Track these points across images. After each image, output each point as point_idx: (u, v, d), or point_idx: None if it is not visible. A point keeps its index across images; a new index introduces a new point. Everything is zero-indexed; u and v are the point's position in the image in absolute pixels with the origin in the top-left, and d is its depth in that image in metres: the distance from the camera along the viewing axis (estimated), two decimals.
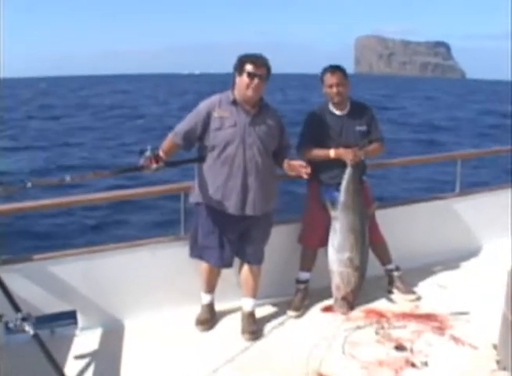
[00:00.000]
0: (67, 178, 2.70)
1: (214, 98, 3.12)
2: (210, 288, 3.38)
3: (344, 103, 3.48)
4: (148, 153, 2.78)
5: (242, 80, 3.01)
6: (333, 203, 3.42)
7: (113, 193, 3.41)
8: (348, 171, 3.39)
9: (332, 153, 3.40)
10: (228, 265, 3.27)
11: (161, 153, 2.89)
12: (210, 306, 3.39)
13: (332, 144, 3.43)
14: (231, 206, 3.07)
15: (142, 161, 2.80)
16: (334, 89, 3.40)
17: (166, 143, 3.08)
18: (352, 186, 3.39)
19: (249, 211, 3.08)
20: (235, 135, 3.01)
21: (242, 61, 3.03)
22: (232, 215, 3.09)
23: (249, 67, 2.98)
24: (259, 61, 3.01)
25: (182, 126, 3.10)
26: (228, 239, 3.19)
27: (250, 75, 2.98)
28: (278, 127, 3.18)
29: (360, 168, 3.49)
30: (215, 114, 3.04)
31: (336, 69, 3.45)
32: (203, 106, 3.09)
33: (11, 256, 3.12)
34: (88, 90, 65.74)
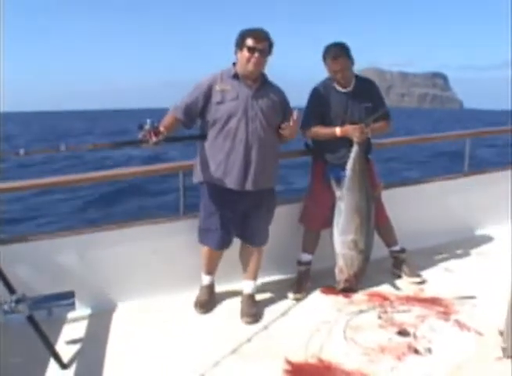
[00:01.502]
0: (62, 147, 2.60)
1: (216, 73, 3.05)
2: (211, 270, 3.32)
3: (349, 81, 3.35)
4: (147, 127, 2.67)
5: (242, 54, 2.93)
6: (339, 182, 3.32)
7: (111, 171, 3.34)
8: (355, 149, 3.28)
9: (338, 131, 3.29)
10: (227, 246, 3.21)
11: (162, 128, 2.77)
12: (210, 288, 3.33)
13: (337, 122, 3.32)
14: (232, 181, 2.99)
15: (141, 135, 2.69)
16: (339, 74, 3.27)
17: (166, 118, 2.97)
18: (359, 164, 3.29)
19: (249, 187, 3.00)
20: (237, 108, 2.94)
21: (243, 35, 2.94)
22: (233, 192, 3.02)
23: (249, 42, 2.90)
24: (260, 35, 2.92)
25: (183, 101, 3.01)
26: (230, 219, 3.11)
27: (251, 49, 2.90)
28: (281, 102, 3.10)
29: (366, 146, 3.38)
30: (217, 87, 2.96)
31: (338, 55, 3.22)
32: (205, 80, 3.01)
33: (5, 236, 3.06)
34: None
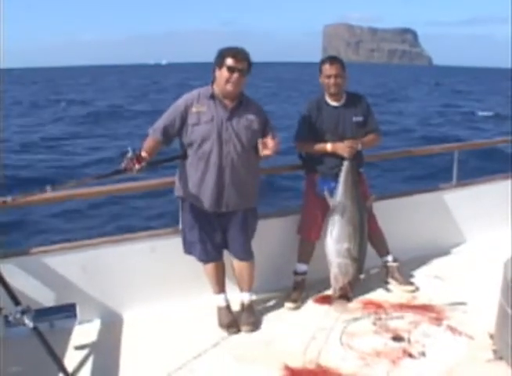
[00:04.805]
0: (48, 188, 2.63)
1: (194, 92, 3.07)
2: (219, 288, 3.30)
3: (340, 94, 3.49)
4: (129, 155, 2.71)
5: (222, 74, 2.95)
6: (332, 193, 3.43)
7: (107, 187, 3.39)
8: (346, 163, 3.40)
9: (329, 147, 3.42)
10: (214, 259, 3.23)
11: (144, 153, 2.82)
12: (228, 308, 3.29)
13: (329, 136, 3.45)
14: (206, 203, 3.05)
15: (124, 163, 2.73)
16: (332, 80, 3.41)
17: (147, 143, 2.99)
18: (351, 177, 3.40)
19: (224, 208, 3.08)
20: (211, 131, 2.97)
21: (222, 55, 2.96)
22: (209, 211, 3.09)
23: (229, 61, 2.92)
24: (239, 55, 2.94)
25: (160, 121, 3.04)
26: (209, 234, 3.17)
27: (230, 69, 2.92)
28: (259, 120, 3.10)
29: (357, 159, 3.51)
30: (193, 109, 2.99)
31: (335, 60, 3.47)
32: (182, 100, 3.04)
33: (10, 249, 3.13)
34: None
